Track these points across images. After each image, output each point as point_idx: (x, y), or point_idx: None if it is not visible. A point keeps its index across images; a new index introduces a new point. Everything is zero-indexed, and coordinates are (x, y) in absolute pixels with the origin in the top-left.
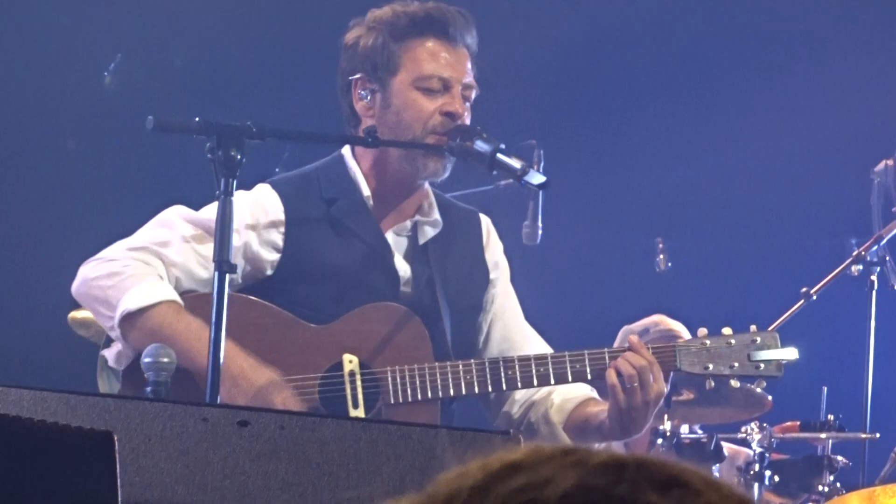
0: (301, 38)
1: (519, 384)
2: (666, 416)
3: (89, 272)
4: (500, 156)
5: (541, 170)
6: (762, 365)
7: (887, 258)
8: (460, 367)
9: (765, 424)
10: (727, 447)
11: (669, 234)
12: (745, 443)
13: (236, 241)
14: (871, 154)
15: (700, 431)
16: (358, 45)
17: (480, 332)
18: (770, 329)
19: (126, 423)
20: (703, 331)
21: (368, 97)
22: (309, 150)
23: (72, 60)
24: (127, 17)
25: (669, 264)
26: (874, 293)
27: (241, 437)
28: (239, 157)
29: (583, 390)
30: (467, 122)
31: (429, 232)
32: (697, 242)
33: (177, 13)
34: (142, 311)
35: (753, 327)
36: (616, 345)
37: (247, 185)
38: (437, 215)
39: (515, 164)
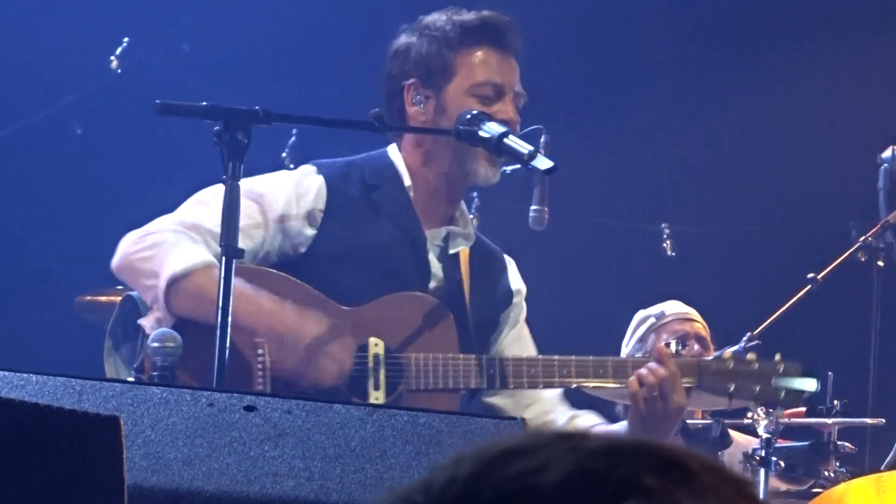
0: (309, 22)
1: (540, 384)
2: None
3: (129, 246)
4: (506, 141)
5: (547, 155)
6: (784, 393)
7: (894, 244)
8: (484, 360)
9: (771, 410)
10: (733, 433)
11: (675, 220)
12: (751, 428)
13: (277, 212)
14: (878, 139)
15: (706, 417)
16: (410, 52)
17: (490, 350)
18: (779, 330)
19: (132, 408)
20: (728, 352)
21: (422, 103)
22: (317, 135)
23: (78, 44)
24: (134, 1)
25: (675, 251)
26: (880, 279)
27: (248, 423)
28: (246, 141)
29: (593, 416)
30: (517, 129)
31: (460, 243)
32: (703, 227)
33: None
34: (186, 275)
35: (778, 356)
36: (630, 328)
37: (253, 170)
38: (470, 229)
39: (522, 149)
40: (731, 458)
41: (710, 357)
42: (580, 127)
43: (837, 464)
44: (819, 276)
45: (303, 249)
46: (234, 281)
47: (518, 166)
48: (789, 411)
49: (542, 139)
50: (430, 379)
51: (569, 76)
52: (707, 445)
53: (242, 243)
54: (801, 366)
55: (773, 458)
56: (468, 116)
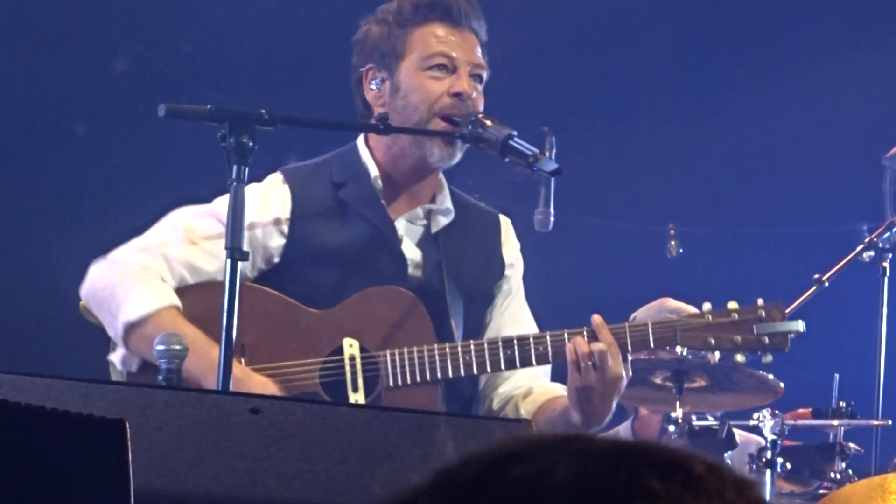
0: (313, 24)
1: (518, 363)
2: (678, 403)
3: (94, 277)
4: (512, 143)
5: (552, 157)
6: (767, 338)
7: None
8: (459, 348)
9: (777, 411)
10: (739, 434)
11: (681, 221)
12: (757, 430)
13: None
14: (883, 140)
15: (712, 418)
16: (367, 39)
17: (485, 323)
18: (779, 303)
19: (138, 411)
20: (706, 306)
21: (378, 87)
22: (321, 138)
23: (81, 45)
24: (137, 2)
25: (681, 250)
26: (886, 279)
27: (253, 425)
28: (251, 144)
29: (558, 387)
30: (479, 104)
31: (441, 221)
32: (709, 228)
33: None
34: (141, 321)
35: (760, 301)
36: None
37: (258, 173)
38: (448, 203)
39: (527, 151)
40: (737, 459)
41: (686, 316)
42: (586, 128)
43: (843, 465)
44: (824, 278)
45: (276, 259)
46: (191, 328)
47: (523, 168)
48: (794, 413)
49: (547, 141)
50: (408, 374)
51: (574, 78)
52: (713, 446)
53: (210, 264)
54: (783, 307)
55: (779, 460)
56: (472, 119)
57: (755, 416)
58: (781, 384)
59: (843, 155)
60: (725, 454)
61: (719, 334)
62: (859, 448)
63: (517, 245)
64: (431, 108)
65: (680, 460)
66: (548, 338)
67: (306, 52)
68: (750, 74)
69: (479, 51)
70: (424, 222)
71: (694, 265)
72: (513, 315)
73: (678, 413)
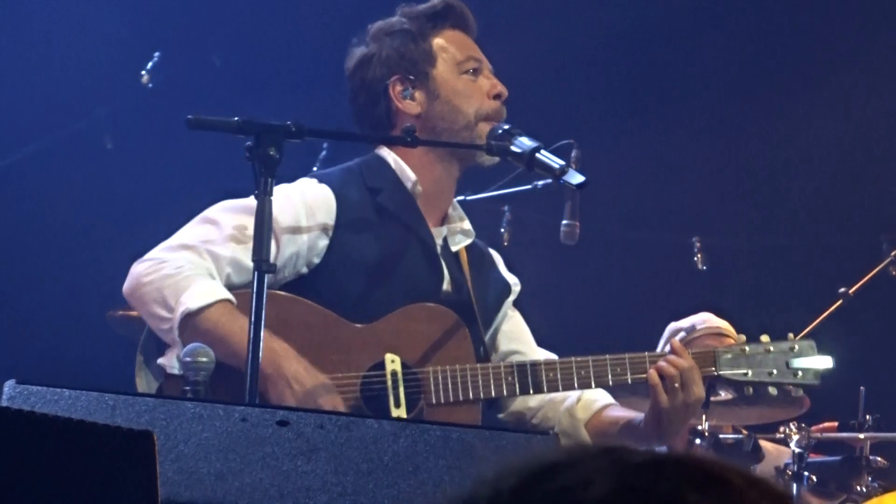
0: (340, 37)
1: (560, 387)
2: (704, 416)
3: (142, 273)
4: (539, 155)
5: (579, 169)
6: (800, 373)
7: None
8: (502, 368)
9: (803, 424)
10: (766, 447)
11: (707, 233)
12: (783, 443)
13: (287, 228)
14: None
15: (739, 431)
16: (381, 54)
17: (494, 342)
18: (806, 334)
19: (165, 423)
20: (741, 337)
21: (410, 95)
22: (347, 150)
23: (109, 58)
24: (165, 15)
25: (706, 265)
26: None
27: (281, 437)
28: (278, 156)
29: (606, 395)
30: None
31: (461, 240)
32: (735, 241)
33: (215, 10)
34: (199, 311)
35: (791, 335)
36: (662, 341)
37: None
38: (468, 225)
39: (555, 163)
40: (763, 472)
41: (725, 346)
42: (611, 141)
43: (870, 478)
44: (850, 291)
45: (317, 260)
46: (239, 317)
47: (549, 180)
48: (821, 426)
49: (574, 154)
50: (451, 391)
51: (601, 90)
52: (740, 460)
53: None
54: (814, 343)
55: (806, 473)
56: (499, 132)
57: (781, 429)
58: (808, 398)
59: (868, 168)
60: (752, 467)
61: (755, 366)
62: (885, 461)
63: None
64: (478, 111)
65: (718, 473)
66: (591, 363)
67: (333, 63)
68: (775, 87)
69: None
70: (442, 242)
71: (720, 276)
72: (517, 333)
73: (705, 426)
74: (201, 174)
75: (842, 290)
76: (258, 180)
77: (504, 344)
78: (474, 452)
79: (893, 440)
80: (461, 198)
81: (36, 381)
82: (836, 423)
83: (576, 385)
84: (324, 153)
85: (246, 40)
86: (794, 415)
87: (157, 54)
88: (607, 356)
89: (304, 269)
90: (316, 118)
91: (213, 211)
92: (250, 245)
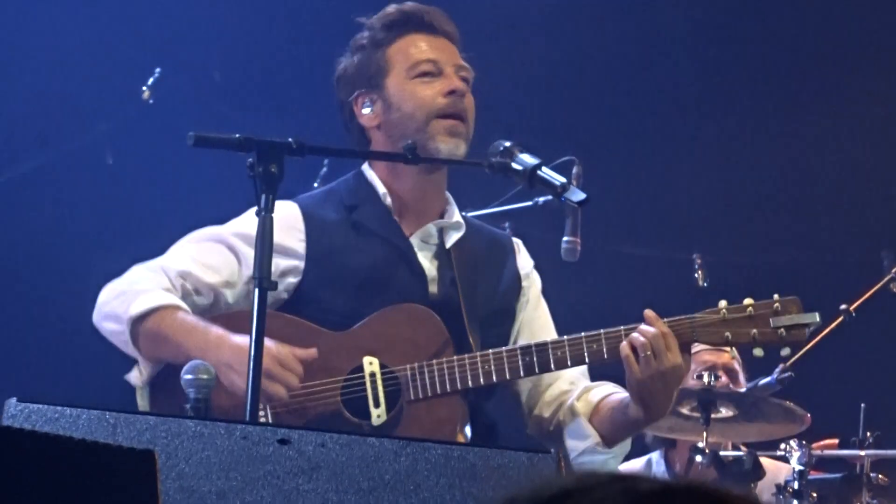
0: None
1: (536, 369)
2: (705, 433)
3: (102, 298)
4: (540, 172)
5: (580, 186)
6: (784, 331)
7: None
8: (478, 357)
9: (803, 441)
10: (766, 464)
11: (708, 249)
12: (783, 459)
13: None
14: None
15: (739, 448)
16: (347, 70)
17: (509, 339)
18: (806, 352)
19: (166, 441)
20: (722, 302)
21: (370, 108)
22: (347, 166)
23: (110, 74)
24: (166, 31)
25: (707, 281)
26: None
27: (282, 456)
28: (279, 173)
29: (609, 385)
30: (471, 105)
31: (453, 235)
32: (735, 257)
33: (216, 26)
34: (146, 315)
35: (776, 295)
36: None
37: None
38: (458, 217)
39: (556, 180)
40: (763, 489)
41: (703, 312)
42: (611, 157)
43: (870, 496)
44: (851, 308)
45: (294, 282)
46: (189, 319)
47: (550, 197)
48: (821, 443)
49: (575, 170)
50: (428, 386)
51: (602, 106)
52: (740, 477)
53: (208, 276)
54: (799, 300)
55: (806, 490)
56: (500, 149)
57: (782, 446)
58: (809, 415)
59: (870, 183)
60: (752, 484)
61: (735, 329)
62: (886, 478)
63: (531, 261)
64: (428, 112)
65: (726, 501)
66: (566, 343)
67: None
68: (774, 104)
69: (458, 54)
70: (437, 241)
71: (721, 294)
72: (534, 326)
73: (705, 443)
74: (202, 190)
75: (842, 306)
76: (259, 197)
77: (521, 340)
78: (475, 471)
79: (894, 457)
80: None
81: (37, 398)
82: (836, 440)
83: (552, 365)
84: (324, 170)
85: (246, 55)
86: (795, 431)
87: (157, 70)
88: (583, 334)
89: (285, 295)
90: (317, 135)
91: (179, 241)
92: (209, 265)
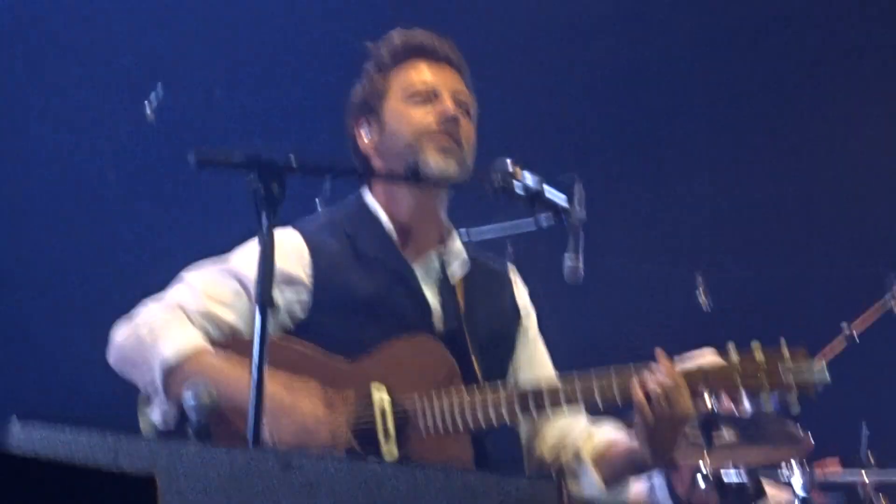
0: (345, 72)
1: (549, 411)
2: (706, 456)
3: (120, 340)
4: (542, 191)
5: (582, 205)
6: (792, 380)
7: None
8: (488, 395)
9: (805, 463)
10: (768, 487)
11: (709, 269)
12: (785, 482)
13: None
14: None
15: (741, 471)
16: (353, 98)
17: (508, 371)
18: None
19: (168, 466)
20: (730, 346)
21: (368, 132)
22: (350, 184)
23: (111, 90)
24: (166, 48)
25: (709, 300)
26: None
27: (283, 480)
28: (280, 192)
29: (610, 427)
30: (471, 134)
31: (457, 269)
32: (738, 276)
33: (216, 43)
34: (179, 364)
35: (782, 341)
36: None
37: (287, 218)
38: (460, 246)
39: (558, 199)
40: None
41: (711, 360)
42: (614, 176)
43: None
44: (852, 326)
45: (299, 311)
46: (227, 361)
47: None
48: (822, 462)
49: (576, 189)
50: (439, 422)
51: (603, 124)
52: (742, 500)
53: (228, 315)
54: (806, 351)
55: None
56: (502, 168)
57: (783, 467)
58: (811, 438)
59: (873, 202)
60: None
61: (745, 376)
62: (888, 501)
63: (526, 291)
64: (416, 132)
65: None
66: (576, 381)
67: (335, 96)
68: (777, 121)
69: (461, 82)
70: (439, 271)
71: (723, 313)
72: (534, 361)
73: (707, 466)
74: (205, 208)
75: (843, 325)
76: (260, 216)
77: (520, 374)
78: (477, 495)
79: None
80: (464, 230)
81: (37, 420)
82: (837, 460)
83: (562, 403)
84: (327, 185)
85: (247, 72)
86: (797, 454)
87: (158, 86)
88: (592, 371)
89: (290, 325)
90: (319, 153)
91: (186, 272)
92: (222, 299)
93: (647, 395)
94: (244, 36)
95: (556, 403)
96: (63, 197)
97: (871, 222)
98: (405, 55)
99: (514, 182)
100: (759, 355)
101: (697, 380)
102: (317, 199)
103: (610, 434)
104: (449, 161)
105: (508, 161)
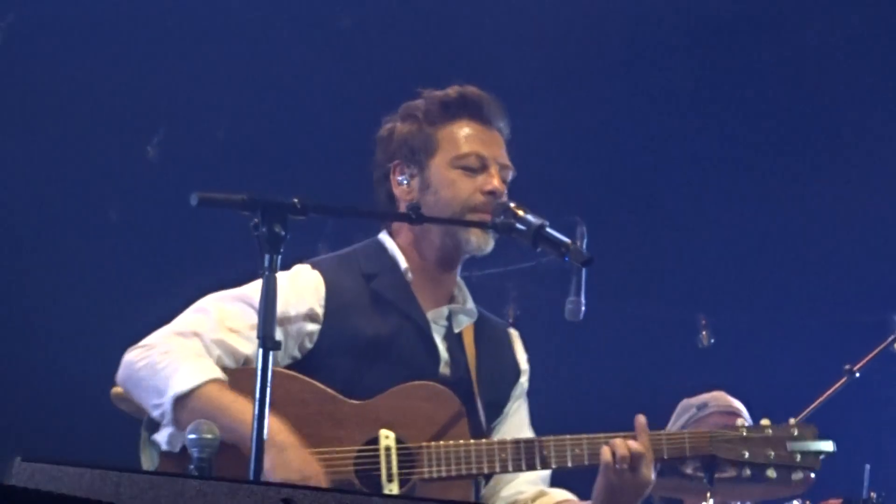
0: (344, 112)
1: (553, 463)
2: (709, 494)
3: (133, 361)
4: (544, 232)
5: (584, 246)
6: (799, 456)
7: None
8: (495, 445)
9: (807, 502)
10: None
11: (712, 310)
12: None
13: (278, 318)
14: None
15: None
16: (393, 135)
17: (492, 426)
18: (811, 412)
19: (170, 501)
20: (741, 421)
21: (406, 181)
22: (352, 225)
23: (114, 132)
24: (169, 90)
25: (712, 340)
26: None
27: None
28: (283, 233)
29: (565, 493)
30: (503, 198)
31: (464, 321)
32: (740, 317)
33: (218, 85)
34: (189, 393)
35: (792, 420)
36: (673, 417)
37: (289, 259)
38: (471, 304)
39: (560, 240)
40: None
41: (722, 429)
42: (616, 218)
43: None
44: (855, 368)
45: (309, 345)
46: (240, 398)
47: (554, 256)
48: (825, 503)
49: (579, 230)
50: (443, 467)
51: (605, 167)
52: None
53: (245, 347)
54: (815, 428)
55: None
56: (504, 208)
57: None
58: (812, 475)
59: (874, 244)
60: None
61: (753, 448)
62: None
63: (525, 355)
64: (465, 205)
65: None
66: (584, 442)
67: (337, 139)
68: (782, 163)
69: (504, 151)
70: (446, 323)
71: (725, 353)
72: (520, 420)
73: (709, 503)
74: (206, 247)
75: (847, 366)
76: (263, 257)
77: (503, 428)
78: None
79: None
80: (466, 275)
81: (41, 457)
82: (840, 501)
83: (569, 462)
84: (329, 228)
85: (249, 114)
86: (799, 492)
87: (161, 128)
88: (601, 434)
89: (298, 354)
90: (321, 191)
91: (204, 300)
92: (240, 330)
93: (614, 455)
94: (246, 77)
95: (560, 458)
96: (64, 236)
97: (875, 267)
98: (457, 112)
99: (517, 220)
100: (768, 430)
101: (704, 443)
102: (319, 245)
103: (563, 496)
104: (489, 239)
105: (511, 202)
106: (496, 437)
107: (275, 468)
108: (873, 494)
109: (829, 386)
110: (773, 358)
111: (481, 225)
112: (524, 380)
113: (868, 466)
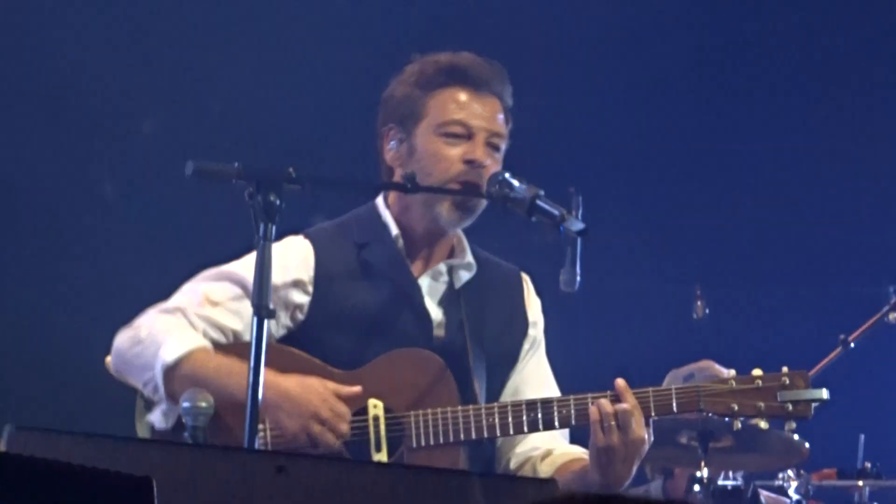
0: (339, 84)
1: (541, 426)
2: (703, 463)
3: (121, 343)
4: (539, 202)
5: (579, 216)
6: (791, 405)
7: None
8: (483, 410)
9: (802, 471)
10: (764, 494)
11: (707, 282)
12: (782, 490)
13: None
14: None
15: (738, 479)
16: (390, 99)
17: (507, 382)
18: (803, 371)
19: (164, 469)
20: (731, 372)
21: (396, 146)
22: (348, 197)
23: (109, 106)
24: (164, 64)
25: (707, 311)
26: None
27: (279, 484)
28: (278, 202)
29: (578, 450)
30: (495, 166)
31: (463, 276)
32: (735, 289)
33: (214, 58)
34: (178, 363)
35: (784, 368)
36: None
37: (285, 231)
38: (469, 258)
39: (554, 210)
40: None
41: (709, 383)
42: (612, 189)
43: None
44: (850, 338)
45: (301, 317)
46: (226, 359)
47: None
48: (820, 473)
49: (574, 201)
50: (431, 435)
51: (602, 138)
52: None
53: (232, 322)
54: (807, 375)
55: None
56: (499, 178)
57: (780, 476)
58: (807, 445)
59: (871, 215)
60: None
61: (742, 400)
62: None
63: (538, 303)
64: (446, 174)
65: None
66: (571, 401)
67: (332, 111)
68: (777, 135)
69: (500, 118)
70: (447, 279)
71: (720, 326)
72: (535, 374)
73: (704, 473)
74: (202, 219)
75: (842, 337)
76: (258, 226)
77: (524, 388)
78: (471, 500)
79: (892, 487)
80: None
81: (36, 426)
82: (835, 471)
83: (556, 423)
84: (324, 199)
85: (245, 86)
86: (794, 462)
87: (156, 101)
88: (588, 394)
89: (290, 324)
90: (317, 163)
91: (189, 282)
92: (226, 306)
93: (600, 417)
94: (242, 51)
95: (548, 417)
96: (60, 211)
97: (870, 239)
98: (447, 79)
99: (511, 189)
100: (757, 381)
101: (692, 397)
102: (315, 214)
103: (572, 455)
104: (463, 217)
105: (506, 172)
106: (508, 393)
107: (280, 421)
108: (868, 464)
109: (825, 356)
110: (768, 329)
111: (474, 193)
112: (534, 332)
113: (862, 437)
